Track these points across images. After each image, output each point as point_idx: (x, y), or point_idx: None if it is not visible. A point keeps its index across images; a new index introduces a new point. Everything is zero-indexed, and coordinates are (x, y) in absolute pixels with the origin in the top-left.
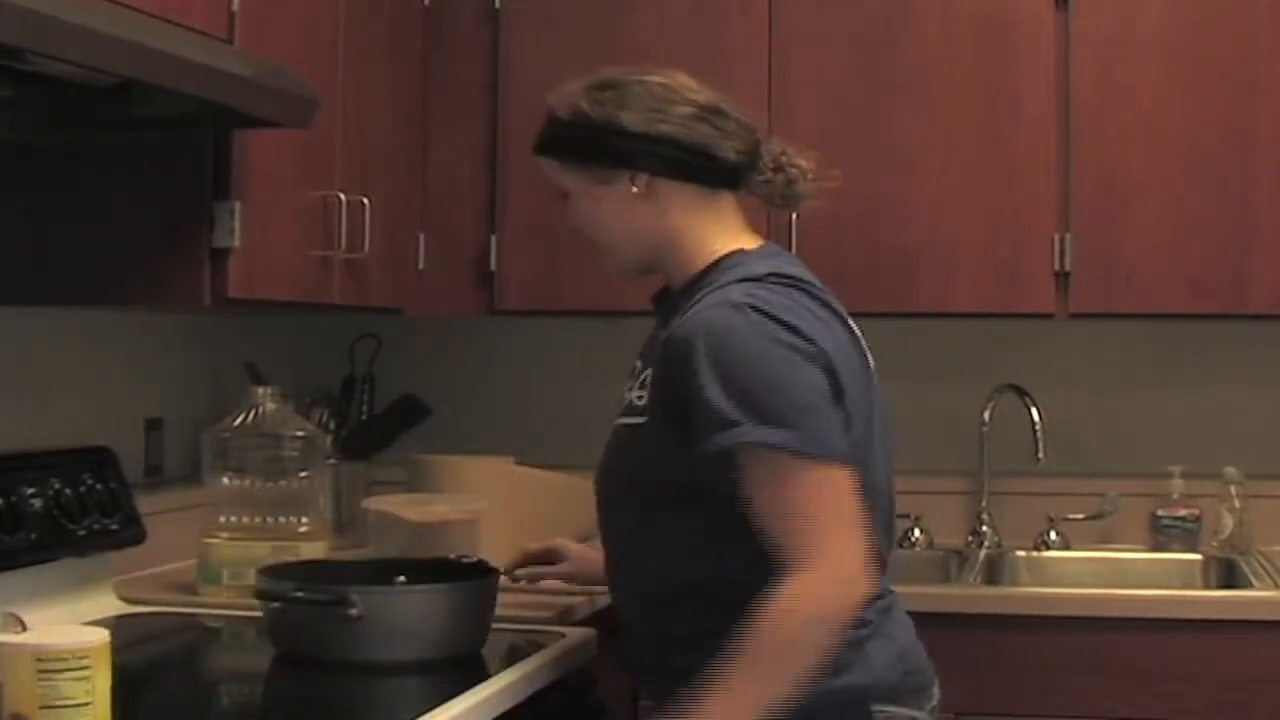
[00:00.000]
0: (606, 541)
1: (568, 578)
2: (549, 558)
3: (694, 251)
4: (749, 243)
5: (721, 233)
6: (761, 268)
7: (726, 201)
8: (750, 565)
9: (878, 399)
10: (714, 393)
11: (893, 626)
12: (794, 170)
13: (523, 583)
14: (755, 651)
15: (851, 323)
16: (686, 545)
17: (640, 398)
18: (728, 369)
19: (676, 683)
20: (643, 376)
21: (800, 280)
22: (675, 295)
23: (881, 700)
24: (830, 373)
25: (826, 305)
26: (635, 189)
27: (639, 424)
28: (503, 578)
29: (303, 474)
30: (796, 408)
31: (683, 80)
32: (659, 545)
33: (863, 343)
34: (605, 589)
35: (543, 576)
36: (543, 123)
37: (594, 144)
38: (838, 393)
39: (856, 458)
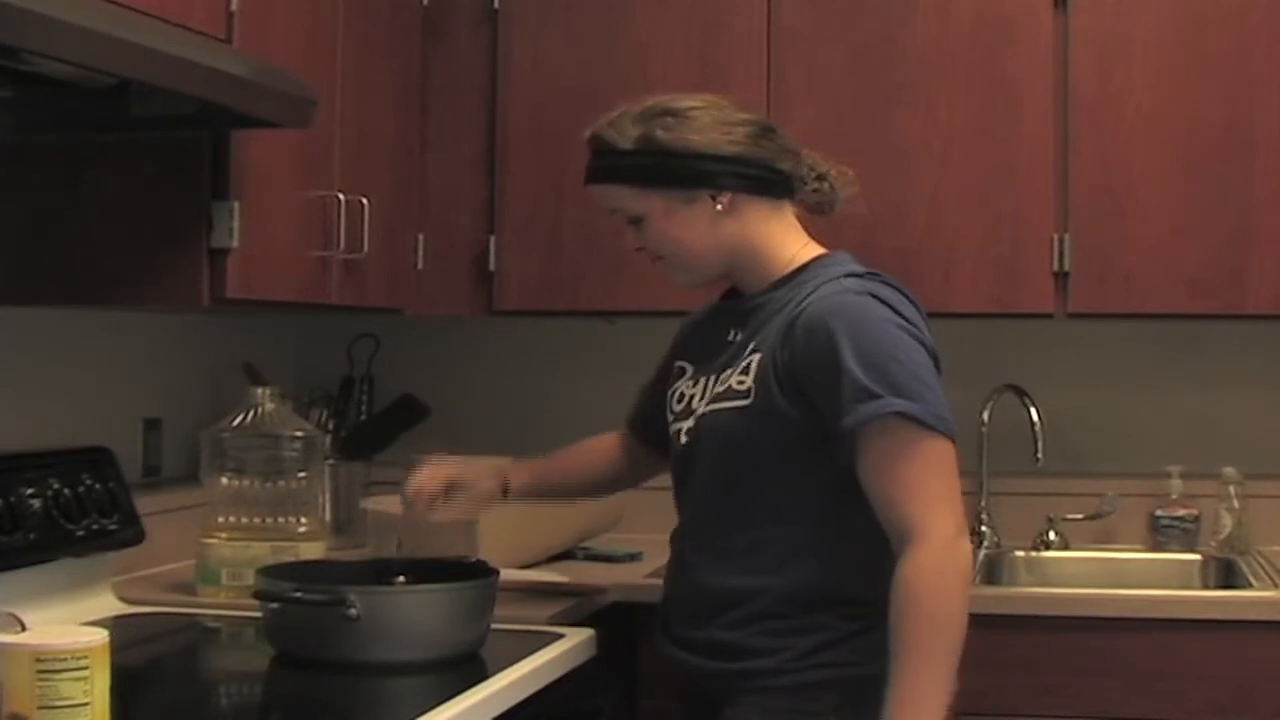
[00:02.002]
0: (697, 520)
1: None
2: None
3: (770, 258)
4: (818, 248)
5: (791, 240)
6: (858, 268)
7: (788, 210)
8: (850, 536)
9: None
10: (856, 369)
11: None
12: (833, 178)
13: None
14: (916, 632)
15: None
16: (792, 516)
17: (742, 382)
18: (863, 347)
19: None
20: (745, 363)
21: (891, 279)
22: (755, 295)
23: None
24: (932, 356)
25: (914, 302)
26: (719, 207)
27: (745, 405)
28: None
29: (301, 474)
30: (921, 381)
31: (725, 102)
32: (763, 517)
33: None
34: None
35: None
36: (596, 154)
37: (672, 168)
38: (938, 373)
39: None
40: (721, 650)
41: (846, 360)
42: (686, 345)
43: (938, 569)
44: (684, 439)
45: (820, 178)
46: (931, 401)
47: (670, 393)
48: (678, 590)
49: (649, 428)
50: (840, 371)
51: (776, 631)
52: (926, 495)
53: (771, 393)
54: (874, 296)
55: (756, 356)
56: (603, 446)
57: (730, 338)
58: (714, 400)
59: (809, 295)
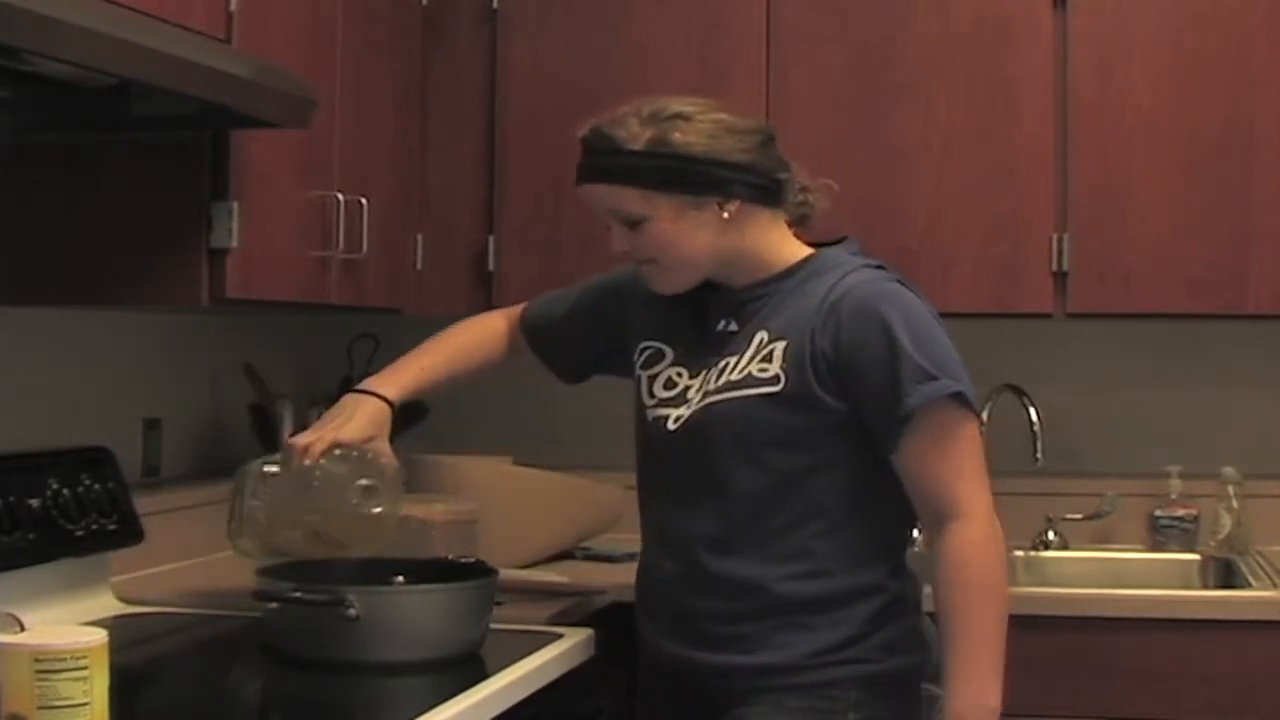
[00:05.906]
0: (703, 509)
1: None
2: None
3: (765, 260)
4: (810, 249)
5: (788, 245)
6: (873, 260)
7: (782, 218)
8: (873, 525)
9: None
10: (914, 351)
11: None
12: (814, 192)
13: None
14: (969, 604)
15: None
16: (816, 504)
17: (764, 370)
18: (915, 330)
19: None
20: (767, 350)
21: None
22: (752, 286)
23: (929, 679)
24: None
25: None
26: (726, 214)
27: (775, 392)
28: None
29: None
30: (958, 364)
31: (725, 107)
32: (785, 504)
33: None
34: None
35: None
36: (598, 152)
37: (686, 172)
38: None
39: None
40: (739, 644)
41: (904, 343)
42: (652, 325)
43: (986, 542)
44: (671, 425)
45: (804, 189)
46: (967, 384)
47: (648, 376)
48: (686, 583)
49: (546, 344)
50: (898, 355)
51: (796, 626)
52: (971, 474)
53: (806, 379)
54: (903, 285)
55: (781, 344)
56: (485, 339)
57: (722, 328)
58: (728, 389)
59: (840, 281)
